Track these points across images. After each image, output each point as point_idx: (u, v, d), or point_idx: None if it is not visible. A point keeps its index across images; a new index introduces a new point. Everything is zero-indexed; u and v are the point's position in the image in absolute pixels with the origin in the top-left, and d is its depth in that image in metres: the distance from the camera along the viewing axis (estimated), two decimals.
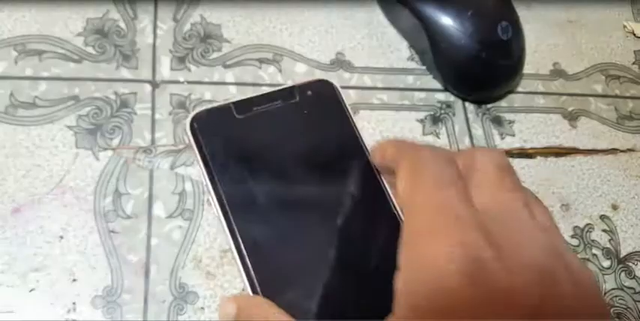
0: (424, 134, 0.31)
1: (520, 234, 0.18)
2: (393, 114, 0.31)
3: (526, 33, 0.35)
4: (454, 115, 0.32)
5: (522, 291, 0.16)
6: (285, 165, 0.25)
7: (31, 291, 0.23)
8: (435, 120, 0.32)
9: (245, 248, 0.22)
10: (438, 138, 0.31)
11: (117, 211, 0.25)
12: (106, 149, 0.26)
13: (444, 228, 0.17)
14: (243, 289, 0.23)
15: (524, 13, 0.36)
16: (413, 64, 0.33)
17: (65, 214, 0.25)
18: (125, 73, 0.28)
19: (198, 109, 0.25)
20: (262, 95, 0.27)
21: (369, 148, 0.25)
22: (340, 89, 0.27)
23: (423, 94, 0.32)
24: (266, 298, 0.21)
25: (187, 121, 0.25)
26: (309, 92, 0.27)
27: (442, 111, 0.32)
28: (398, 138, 0.28)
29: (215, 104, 0.26)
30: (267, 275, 0.22)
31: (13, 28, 0.28)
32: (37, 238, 0.24)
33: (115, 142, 0.27)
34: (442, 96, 0.32)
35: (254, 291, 0.21)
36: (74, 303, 0.24)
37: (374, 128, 0.30)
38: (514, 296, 0.16)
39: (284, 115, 0.26)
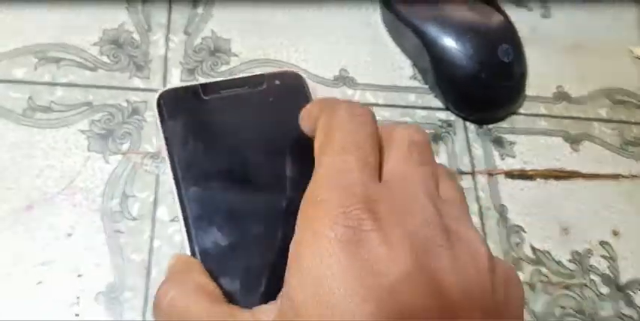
0: None
1: (410, 206, 0.19)
2: None
3: (530, 55, 0.40)
4: (455, 134, 0.36)
5: (391, 261, 0.17)
6: (242, 147, 0.29)
7: (38, 283, 0.27)
8: (436, 138, 0.36)
9: (191, 219, 0.26)
10: (438, 156, 0.35)
11: (123, 212, 0.30)
12: (116, 153, 0.31)
13: (333, 195, 0.18)
14: None
15: (529, 36, 0.41)
16: (415, 83, 0.38)
17: (74, 213, 0.29)
18: (137, 82, 0.33)
19: (166, 87, 0.30)
20: (231, 80, 0.32)
21: None
22: (308, 82, 0.31)
23: (424, 113, 0.37)
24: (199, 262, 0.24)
25: (155, 97, 0.29)
26: (277, 81, 0.32)
27: (443, 129, 0.36)
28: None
29: (184, 83, 0.31)
30: (208, 248, 0.25)
31: (34, 35, 0.33)
32: (46, 234, 0.28)
33: (125, 147, 0.31)
34: (443, 115, 0.37)
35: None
36: (78, 297, 0.28)
37: None
38: (381, 265, 0.17)
39: (249, 101, 0.31)
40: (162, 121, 0.29)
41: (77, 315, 0.27)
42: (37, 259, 0.28)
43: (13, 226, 0.28)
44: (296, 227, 0.19)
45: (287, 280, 0.19)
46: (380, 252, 0.17)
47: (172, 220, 0.30)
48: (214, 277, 0.24)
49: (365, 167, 0.20)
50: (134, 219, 0.30)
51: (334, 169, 0.20)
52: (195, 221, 0.27)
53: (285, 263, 0.19)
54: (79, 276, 0.28)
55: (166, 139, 0.29)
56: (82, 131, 0.31)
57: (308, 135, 0.24)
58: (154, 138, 0.32)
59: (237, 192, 0.28)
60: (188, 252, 0.26)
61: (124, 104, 0.32)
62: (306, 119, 0.24)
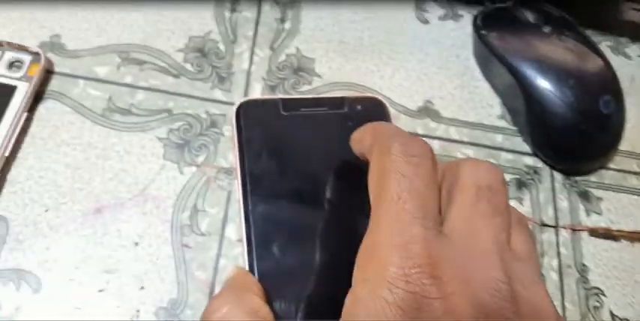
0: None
1: (477, 269, 0.19)
2: None
3: (627, 107, 0.42)
4: (540, 182, 0.39)
5: None
6: (315, 169, 0.32)
7: (100, 291, 0.30)
8: (520, 184, 0.38)
9: (254, 236, 0.28)
10: (521, 205, 0.38)
11: (192, 226, 0.32)
12: (190, 165, 0.34)
13: (392, 253, 0.18)
14: None
15: (626, 86, 0.43)
16: (503, 123, 0.40)
17: (144, 222, 0.32)
18: (218, 94, 0.36)
19: (248, 97, 0.33)
20: (312, 98, 0.35)
21: None
22: (390, 110, 0.34)
23: (510, 156, 0.39)
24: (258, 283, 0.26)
25: (235, 106, 0.32)
26: (359, 106, 0.35)
27: (529, 176, 0.39)
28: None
29: (265, 96, 0.34)
30: (267, 268, 0.28)
31: (120, 34, 0.37)
32: (113, 240, 0.31)
33: (200, 159, 0.34)
34: (530, 161, 0.39)
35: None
36: (138, 310, 0.30)
37: None
38: None
39: (328, 122, 0.34)
40: (238, 131, 0.32)
41: None
42: (101, 265, 0.31)
43: (81, 228, 0.31)
44: (353, 277, 0.20)
45: None
46: None
47: (240, 240, 0.33)
48: (269, 299, 0.26)
49: (425, 219, 0.19)
50: (202, 234, 0.32)
51: (392, 221, 0.19)
52: (257, 238, 0.29)
53: (344, 293, 0.20)
54: (142, 288, 0.30)
55: (240, 149, 0.32)
56: (159, 138, 0.34)
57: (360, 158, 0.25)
58: (229, 153, 0.34)
59: (304, 214, 0.31)
60: (247, 268, 0.28)
61: (204, 115, 0.35)
62: (357, 146, 0.25)
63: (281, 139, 0.33)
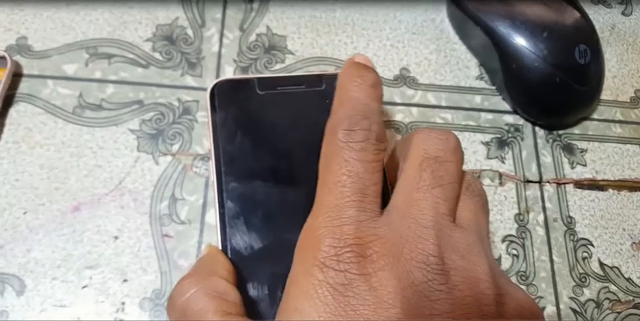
0: (488, 158, 0.32)
1: (409, 244, 0.17)
2: (457, 134, 0.32)
3: (607, 56, 0.36)
4: (522, 139, 0.33)
5: (378, 308, 0.16)
6: (291, 148, 0.27)
7: (83, 287, 0.26)
8: (502, 143, 0.33)
9: (227, 216, 0.24)
10: (503, 163, 0.32)
11: (172, 215, 0.28)
12: (165, 154, 0.29)
13: (326, 234, 0.17)
14: None
15: (606, 35, 0.37)
16: (482, 84, 0.34)
17: (122, 216, 0.27)
18: (189, 80, 0.31)
19: (222, 78, 0.28)
20: (289, 76, 0.30)
21: None
22: None
23: (490, 116, 0.33)
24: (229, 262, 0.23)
25: (209, 86, 0.27)
26: (336, 83, 0.29)
27: (510, 134, 0.33)
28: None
29: (241, 76, 0.29)
30: (240, 248, 0.24)
31: (86, 30, 0.31)
32: (93, 236, 0.27)
33: (175, 147, 0.29)
34: (511, 118, 0.33)
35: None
36: (123, 303, 0.26)
37: None
38: (368, 312, 0.16)
39: (305, 100, 0.29)
40: (212, 111, 0.27)
41: None
42: (83, 262, 0.26)
43: (60, 227, 0.27)
44: (294, 258, 0.19)
45: (278, 315, 0.18)
46: (368, 298, 0.16)
47: None
48: (241, 279, 0.23)
49: (362, 202, 0.18)
50: (182, 223, 0.28)
51: (330, 204, 0.18)
52: (231, 219, 0.25)
53: None
54: (125, 281, 0.26)
55: (214, 130, 0.27)
56: (132, 131, 0.29)
57: None
58: (204, 139, 0.30)
59: (278, 194, 0.26)
60: (220, 248, 0.24)
61: (176, 103, 0.30)
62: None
63: (257, 118, 0.28)
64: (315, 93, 0.29)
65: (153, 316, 0.26)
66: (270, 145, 0.27)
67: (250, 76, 0.30)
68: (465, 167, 0.31)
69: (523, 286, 0.29)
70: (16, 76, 0.29)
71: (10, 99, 0.29)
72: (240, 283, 0.23)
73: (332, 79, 0.30)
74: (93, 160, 0.28)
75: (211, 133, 0.27)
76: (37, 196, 0.27)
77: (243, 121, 0.28)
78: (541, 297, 0.29)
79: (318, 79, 0.30)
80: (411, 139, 0.20)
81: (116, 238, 0.27)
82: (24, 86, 0.29)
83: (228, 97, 0.28)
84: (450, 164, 0.19)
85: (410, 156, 0.20)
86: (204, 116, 0.30)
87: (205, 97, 0.28)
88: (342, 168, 0.18)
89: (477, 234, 0.19)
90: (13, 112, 0.29)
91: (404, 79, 0.34)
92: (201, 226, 0.28)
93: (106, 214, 0.27)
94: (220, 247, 0.24)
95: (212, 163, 0.26)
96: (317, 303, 0.16)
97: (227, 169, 0.26)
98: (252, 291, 0.23)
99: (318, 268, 0.17)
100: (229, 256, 0.24)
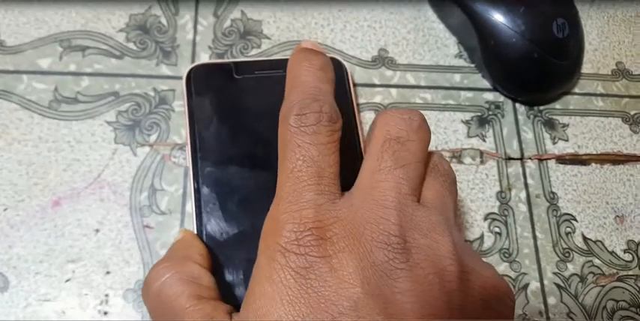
0: (469, 136, 0.31)
1: (369, 225, 0.17)
2: (437, 114, 0.31)
3: (587, 29, 0.34)
4: (503, 116, 0.32)
5: (340, 289, 0.16)
6: (267, 133, 0.26)
7: (66, 281, 0.25)
8: (482, 121, 0.31)
9: (202, 201, 0.24)
10: (484, 141, 0.31)
11: (152, 206, 0.27)
12: (143, 145, 0.28)
13: (287, 219, 0.17)
14: None
15: (586, 8, 0.35)
16: (461, 62, 0.33)
17: (102, 209, 0.27)
18: (165, 69, 0.30)
19: (199, 62, 0.28)
20: (266, 60, 0.29)
21: (363, 136, 0.27)
22: (348, 70, 0.29)
23: (470, 94, 0.32)
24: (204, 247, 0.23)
25: (185, 71, 0.27)
26: None
27: (490, 112, 0.32)
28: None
29: (217, 60, 0.28)
30: (214, 233, 0.24)
31: (59, 23, 0.30)
32: (74, 230, 0.26)
33: (153, 138, 0.28)
34: (491, 96, 0.32)
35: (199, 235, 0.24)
36: (107, 295, 0.25)
37: None
38: (330, 293, 0.16)
39: (282, 85, 0.28)
40: (189, 96, 0.27)
41: (106, 313, 0.25)
42: (65, 256, 0.26)
43: (41, 223, 0.26)
44: (259, 246, 0.18)
45: (244, 300, 0.18)
46: (328, 280, 0.16)
47: None
48: (216, 264, 0.22)
49: (320, 185, 0.18)
50: (163, 213, 0.27)
51: (289, 190, 0.18)
52: (206, 204, 0.24)
53: None
54: (108, 273, 0.26)
55: (190, 115, 0.26)
56: (109, 123, 0.28)
57: None
58: (182, 129, 0.29)
59: (254, 179, 0.25)
60: (195, 232, 0.24)
61: (152, 93, 0.29)
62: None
63: (234, 103, 0.27)
64: None
65: (136, 307, 0.25)
66: (247, 130, 0.27)
67: (227, 60, 0.29)
68: (445, 146, 0.30)
69: (506, 263, 0.28)
70: None
71: None
72: (216, 268, 0.22)
73: None
74: (71, 154, 0.27)
75: (187, 119, 0.26)
76: (17, 192, 0.26)
77: (219, 106, 0.27)
78: (525, 273, 0.28)
79: None
80: (375, 121, 0.20)
81: (97, 231, 0.26)
82: None
83: (205, 82, 0.27)
84: (412, 143, 0.19)
85: (373, 138, 0.19)
86: (180, 105, 0.29)
87: (182, 83, 0.27)
88: (296, 153, 0.18)
89: (441, 213, 0.18)
90: None
91: (382, 60, 0.32)
92: (181, 216, 0.27)
93: (87, 207, 0.27)
94: (196, 232, 0.24)
95: (188, 149, 0.25)
96: (280, 287, 0.16)
97: (203, 154, 0.25)
98: (227, 276, 0.23)
99: (280, 253, 0.17)
100: (204, 240, 0.23)
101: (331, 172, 0.18)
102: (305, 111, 0.19)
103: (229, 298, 0.21)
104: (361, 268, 0.16)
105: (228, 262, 0.23)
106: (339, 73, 0.28)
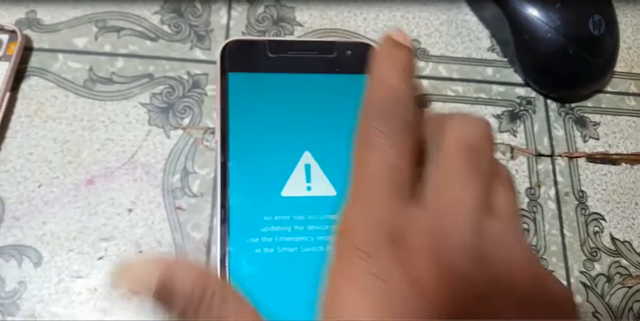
0: (500, 131, 0.32)
1: (447, 234, 0.17)
2: (468, 107, 0.33)
3: (622, 27, 0.36)
4: (534, 112, 0.33)
5: (419, 303, 0.17)
6: (299, 115, 0.28)
7: (99, 259, 0.27)
8: (513, 116, 0.33)
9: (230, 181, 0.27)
10: (515, 136, 0.32)
11: (184, 188, 0.29)
12: (176, 128, 0.30)
13: (363, 225, 0.18)
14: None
15: (622, 5, 0.37)
16: (493, 56, 0.34)
17: (135, 189, 0.28)
18: (198, 53, 0.31)
19: (234, 38, 0.29)
20: (301, 41, 0.31)
21: None
22: None
23: (502, 88, 0.34)
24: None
25: (220, 46, 0.28)
26: (348, 52, 0.30)
27: (521, 107, 0.33)
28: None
29: (252, 37, 0.30)
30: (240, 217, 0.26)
31: (95, 3, 0.32)
32: (107, 209, 0.28)
33: (186, 121, 0.30)
34: (523, 91, 0.34)
35: (223, 223, 0.26)
36: None
37: None
38: (406, 309, 0.17)
39: (314, 67, 0.29)
40: (222, 71, 0.28)
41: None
42: (98, 234, 0.27)
43: (75, 200, 0.28)
44: (332, 247, 0.19)
45: (320, 304, 0.18)
46: (406, 287, 0.17)
47: None
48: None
49: (397, 191, 0.18)
50: (194, 196, 0.28)
51: (365, 194, 0.18)
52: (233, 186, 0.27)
53: None
54: (140, 252, 0.27)
55: (223, 91, 0.28)
56: (143, 104, 0.30)
57: None
58: (214, 113, 0.30)
59: (283, 154, 0.27)
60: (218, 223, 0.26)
61: (185, 77, 0.31)
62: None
63: (266, 81, 0.29)
64: (326, 60, 0.30)
65: None
66: (278, 111, 0.28)
67: (262, 38, 0.31)
68: None
69: None
70: (27, 49, 0.30)
71: (21, 73, 0.29)
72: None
73: (344, 47, 0.30)
74: (105, 133, 0.29)
75: (219, 93, 0.28)
76: (51, 169, 0.28)
77: (252, 84, 0.28)
78: (552, 271, 0.30)
79: (330, 46, 0.30)
80: (443, 124, 0.20)
81: (130, 210, 0.28)
82: (35, 60, 0.30)
83: (239, 57, 0.29)
84: (485, 152, 0.19)
85: (444, 143, 0.19)
86: (213, 90, 0.31)
87: (216, 57, 0.29)
88: (375, 155, 0.19)
89: (512, 221, 0.19)
90: (25, 87, 0.29)
91: (415, 51, 0.34)
92: (212, 200, 0.28)
93: (120, 187, 0.28)
94: (220, 222, 0.26)
95: (217, 127, 0.28)
96: (358, 291, 0.17)
97: (233, 131, 0.27)
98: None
99: (358, 257, 0.17)
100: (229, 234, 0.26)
101: (407, 177, 0.19)
102: (389, 113, 0.19)
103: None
104: (439, 276, 0.16)
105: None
106: (370, 59, 0.30)
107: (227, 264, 0.26)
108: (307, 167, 0.28)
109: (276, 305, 0.25)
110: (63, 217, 0.27)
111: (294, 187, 0.27)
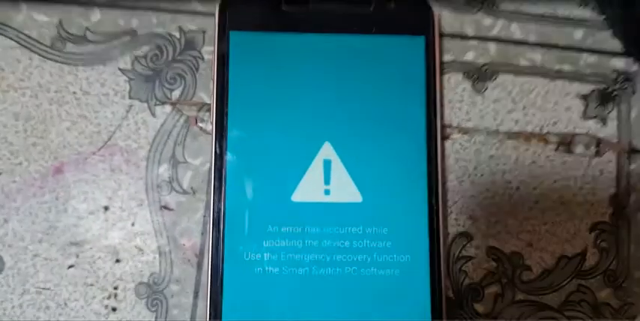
0: (585, 117, 0.26)
1: None
2: (546, 83, 0.26)
3: None
4: (634, 92, 0.26)
5: None
6: (316, 88, 0.23)
7: (69, 268, 0.24)
8: (605, 98, 0.26)
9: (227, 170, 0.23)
10: (604, 125, 0.26)
11: (172, 182, 0.24)
12: (164, 103, 0.25)
13: None
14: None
15: None
16: (586, 13, 0.27)
17: (112, 181, 0.24)
18: (195, 3, 0.26)
19: None
20: None
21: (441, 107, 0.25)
22: (437, 19, 0.25)
23: (593, 58, 0.27)
24: None
25: (217, 3, 0.24)
26: (392, 5, 0.25)
27: (617, 86, 0.26)
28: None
29: None
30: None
31: None
32: (79, 206, 0.24)
33: (176, 94, 0.25)
34: (621, 63, 0.27)
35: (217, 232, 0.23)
36: (116, 287, 0.24)
37: (515, 102, 0.26)
38: None
39: (343, 26, 0.24)
40: (221, 30, 0.23)
41: (114, 309, 0.23)
42: (68, 236, 0.24)
43: (41, 193, 0.24)
44: None
45: None
46: None
47: None
48: None
49: None
50: (185, 193, 0.24)
51: None
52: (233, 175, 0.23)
53: None
54: (118, 261, 0.24)
55: (220, 58, 0.23)
56: (123, 71, 0.25)
57: None
58: (211, 84, 0.25)
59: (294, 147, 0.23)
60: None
61: (176, 34, 0.25)
62: None
63: (279, 44, 0.24)
64: (359, 17, 0.24)
65: (150, 305, 0.23)
66: (292, 85, 0.23)
67: None
68: (553, 129, 0.26)
69: (609, 289, 0.25)
70: None
71: None
72: None
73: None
74: (76, 108, 0.25)
75: (216, 62, 0.23)
76: (12, 153, 0.24)
77: (259, 49, 0.23)
78: (632, 304, 0.25)
79: None
80: None
81: (106, 208, 0.24)
82: None
83: (243, 15, 0.23)
84: None
85: None
86: (211, 52, 0.25)
87: (214, 14, 0.23)
88: None
89: None
90: None
91: (480, 3, 0.27)
92: (207, 198, 0.24)
93: (94, 178, 0.24)
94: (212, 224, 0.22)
95: (213, 98, 0.23)
96: None
97: (233, 103, 0.23)
98: None
99: None
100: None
101: None
102: None
103: None
104: None
105: None
106: (421, 14, 0.25)
107: (219, 284, 0.22)
108: (327, 163, 0.23)
109: None
110: (27, 213, 0.24)
111: (308, 189, 0.23)
